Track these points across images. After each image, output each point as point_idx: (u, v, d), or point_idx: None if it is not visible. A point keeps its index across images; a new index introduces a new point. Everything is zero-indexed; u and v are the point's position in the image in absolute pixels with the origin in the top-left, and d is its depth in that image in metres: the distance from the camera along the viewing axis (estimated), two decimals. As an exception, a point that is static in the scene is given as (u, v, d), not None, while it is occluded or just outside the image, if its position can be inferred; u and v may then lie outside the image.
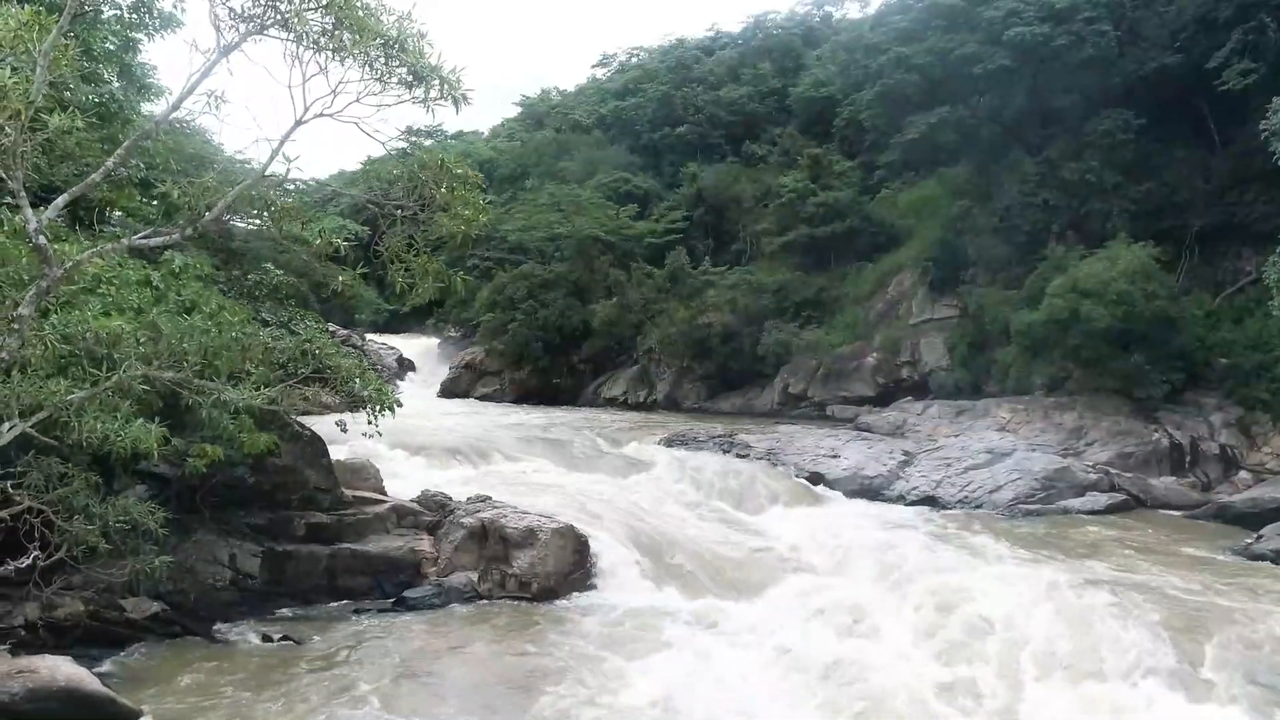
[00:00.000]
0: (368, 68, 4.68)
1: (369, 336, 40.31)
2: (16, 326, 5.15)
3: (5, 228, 5.57)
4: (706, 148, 44.24)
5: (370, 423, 12.27)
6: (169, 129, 14.47)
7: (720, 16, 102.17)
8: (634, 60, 57.12)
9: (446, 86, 4.74)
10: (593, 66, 62.50)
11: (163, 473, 11.90)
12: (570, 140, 49.61)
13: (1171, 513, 18.23)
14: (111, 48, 11.07)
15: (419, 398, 32.48)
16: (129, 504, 8.35)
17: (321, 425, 14.76)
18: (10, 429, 5.74)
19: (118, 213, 11.45)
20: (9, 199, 5.64)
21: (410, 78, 4.67)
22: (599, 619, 11.94)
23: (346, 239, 8.10)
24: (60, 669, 8.34)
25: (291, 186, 16.72)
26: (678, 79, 47.07)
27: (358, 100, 4.82)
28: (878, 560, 13.87)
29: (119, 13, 9.79)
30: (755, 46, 49.08)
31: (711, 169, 40.89)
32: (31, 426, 5.96)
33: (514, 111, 64.96)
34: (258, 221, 18.31)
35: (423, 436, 20.74)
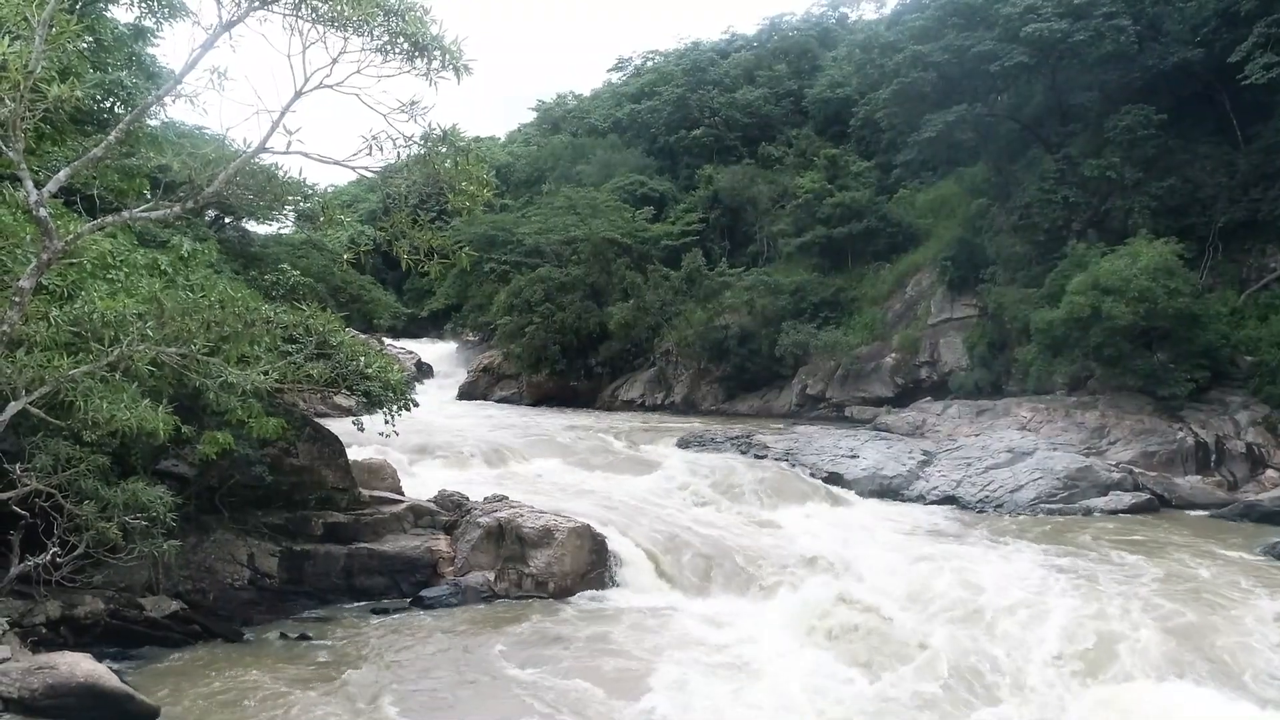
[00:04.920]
0: (368, 37, 4.64)
1: (388, 341, 40.47)
2: (17, 299, 5.17)
3: (7, 201, 5.59)
4: (722, 150, 44.18)
5: (387, 421, 12.33)
6: (186, 133, 14.59)
7: (735, 19, 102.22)
8: (649, 64, 57.13)
9: (448, 57, 4.70)
10: (608, 71, 62.68)
11: (183, 473, 11.98)
12: (586, 144, 49.70)
13: (1197, 512, 17.96)
14: (124, 32, 11.11)
15: (437, 401, 32.62)
16: (137, 488, 8.37)
17: (339, 426, 14.84)
18: (12, 406, 5.76)
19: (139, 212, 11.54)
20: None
21: (411, 49, 4.63)
22: (615, 619, 11.89)
23: (364, 246, 8.15)
24: (79, 666, 8.37)
25: (310, 191, 16.82)
26: (693, 82, 47.03)
27: (358, 71, 4.78)
28: (895, 562, 13.73)
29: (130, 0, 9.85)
30: (770, 48, 48.97)
31: (727, 171, 40.82)
32: (40, 408, 5.98)
33: (530, 117, 65.26)
34: (276, 224, 18.39)
35: (440, 438, 20.80)
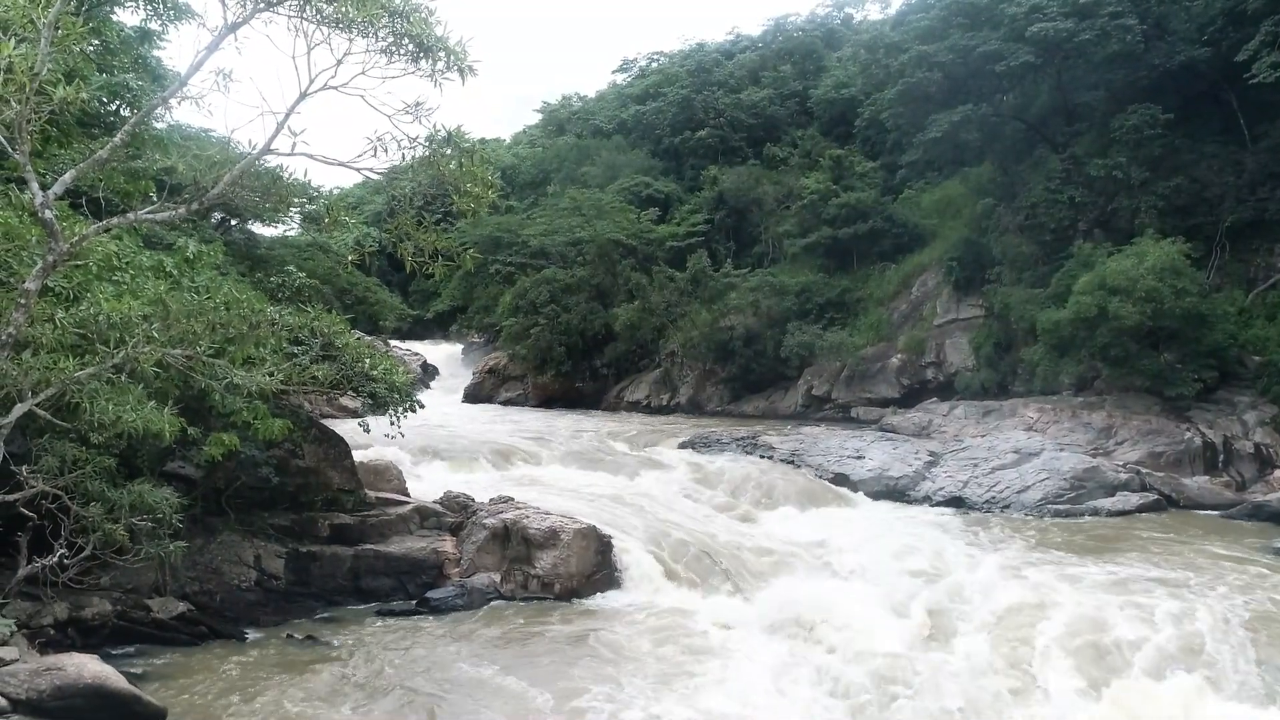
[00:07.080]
0: (372, 38, 4.66)
1: (393, 343, 40.55)
2: (23, 301, 5.19)
3: (14, 203, 5.61)
4: (727, 151, 44.16)
5: (393, 423, 12.35)
6: (192, 135, 14.63)
7: (740, 20, 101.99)
8: (654, 65, 57.15)
9: (453, 58, 4.70)
10: (613, 72, 62.71)
11: (189, 475, 12.01)
12: (591, 145, 49.72)
13: (1205, 512, 17.87)
14: (130, 35, 11.18)
15: (443, 403, 32.68)
16: (144, 489, 8.39)
17: (345, 428, 14.86)
18: (19, 408, 5.79)
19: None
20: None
21: (416, 50, 4.64)
22: (621, 621, 11.88)
23: (369, 248, 8.18)
24: (86, 667, 8.38)
25: (315, 193, 16.90)
26: (698, 83, 47.02)
27: (363, 73, 4.79)
28: (902, 564, 13.69)
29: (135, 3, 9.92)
30: (775, 49, 48.94)
31: (733, 172, 40.79)
32: (46, 410, 6.00)
33: (535, 118, 65.37)
34: (282, 226, 18.44)
35: (445, 439, 20.81)
